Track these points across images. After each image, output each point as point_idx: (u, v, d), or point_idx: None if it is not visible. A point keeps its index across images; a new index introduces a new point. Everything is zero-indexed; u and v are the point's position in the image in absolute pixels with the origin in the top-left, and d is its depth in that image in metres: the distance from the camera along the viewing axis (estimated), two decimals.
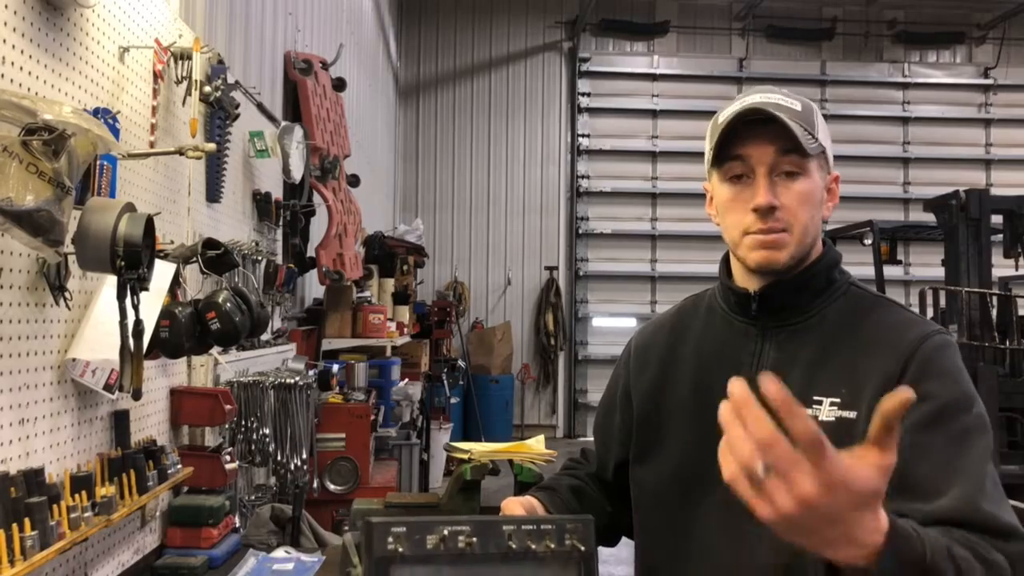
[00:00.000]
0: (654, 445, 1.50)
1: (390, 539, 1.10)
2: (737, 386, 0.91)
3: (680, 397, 1.48)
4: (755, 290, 1.42)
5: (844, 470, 0.90)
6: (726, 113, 1.40)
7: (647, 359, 1.57)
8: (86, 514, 1.99)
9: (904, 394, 0.89)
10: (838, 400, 1.32)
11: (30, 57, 1.95)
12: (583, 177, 12.24)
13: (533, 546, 1.14)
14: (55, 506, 1.89)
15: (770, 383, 0.87)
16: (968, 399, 1.29)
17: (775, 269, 1.39)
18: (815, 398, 1.34)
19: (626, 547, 1.64)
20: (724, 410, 0.92)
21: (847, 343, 1.37)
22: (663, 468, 1.47)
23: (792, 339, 1.41)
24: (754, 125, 1.35)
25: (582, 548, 1.16)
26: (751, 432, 0.89)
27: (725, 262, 1.50)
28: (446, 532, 1.12)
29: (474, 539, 1.12)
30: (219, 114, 3.23)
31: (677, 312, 1.62)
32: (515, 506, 1.44)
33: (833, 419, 1.31)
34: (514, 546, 1.13)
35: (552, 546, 1.15)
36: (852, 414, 1.31)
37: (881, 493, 0.94)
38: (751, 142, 1.36)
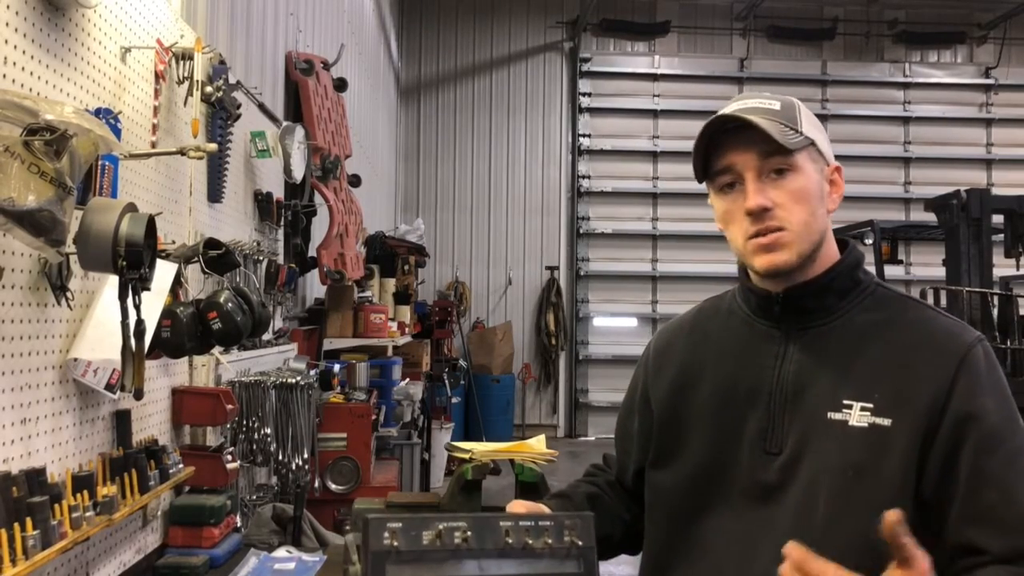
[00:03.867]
0: (673, 448, 1.47)
1: (386, 535, 1.09)
2: (794, 548, 1.05)
3: (700, 400, 1.46)
4: (778, 292, 1.40)
5: None
6: (704, 126, 1.40)
7: (665, 362, 1.55)
8: (88, 514, 2.00)
9: (893, 516, 1.01)
10: (871, 405, 1.30)
11: (32, 57, 1.96)
12: (584, 177, 12.23)
13: (531, 542, 1.13)
14: (57, 506, 1.89)
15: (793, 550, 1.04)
16: (1015, 414, 1.29)
17: (782, 270, 1.36)
18: (845, 402, 1.32)
19: None
20: (785, 571, 1.05)
21: (878, 346, 1.34)
22: (681, 471, 1.45)
23: (817, 341, 1.38)
24: (733, 133, 1.36)
25: (580, 543, 1.14)
26: None
27: (744, 265, 1.47)
28: (442, 528, 1.11)
29: (470, 534, 1.11)
30: (220, 114, 3.24)
31: (696, 314, 1.59)
32: (519, 509, 1.39)
33: (866, 424, 1.29)
34: (511, 542, 1.12)
35: (550, 542, 1.13)
36: (886, 421, 1.28)
37: None
38: (732, 150, 1.37)
